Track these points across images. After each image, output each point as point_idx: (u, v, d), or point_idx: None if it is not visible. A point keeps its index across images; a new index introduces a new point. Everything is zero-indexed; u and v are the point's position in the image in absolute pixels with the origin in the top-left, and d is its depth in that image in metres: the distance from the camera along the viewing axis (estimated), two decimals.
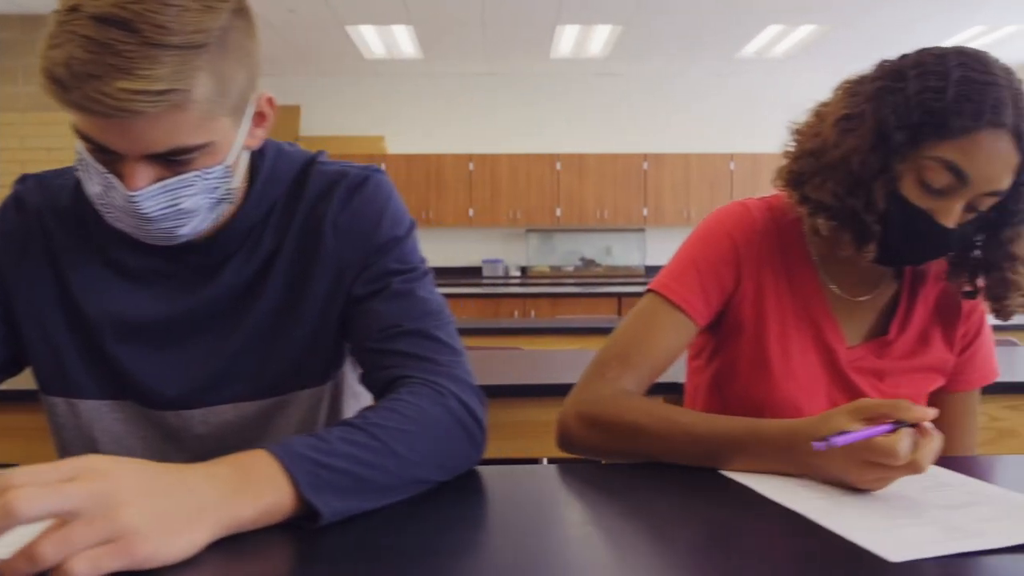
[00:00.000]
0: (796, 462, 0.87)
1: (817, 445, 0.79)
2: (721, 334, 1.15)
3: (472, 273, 8.76)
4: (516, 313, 5.71)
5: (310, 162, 1.04)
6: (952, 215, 0.97)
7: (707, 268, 1.10)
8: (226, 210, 0.94)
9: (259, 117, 0.94)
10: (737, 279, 1.11)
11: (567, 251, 8.84)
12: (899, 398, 1.08)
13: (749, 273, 1.11)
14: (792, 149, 1.10)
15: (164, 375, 0.98)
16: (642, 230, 8.82)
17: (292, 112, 8.76)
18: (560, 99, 8.89)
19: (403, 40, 7.63)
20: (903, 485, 0.82)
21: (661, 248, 8.92)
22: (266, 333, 0.99)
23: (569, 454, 1.05)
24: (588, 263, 8.78)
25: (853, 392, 1.09)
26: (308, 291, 0.99)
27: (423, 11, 6.81)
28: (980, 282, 1.07)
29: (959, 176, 0.95)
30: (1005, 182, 0.97)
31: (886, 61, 1.04)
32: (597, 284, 7.36)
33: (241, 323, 0.98)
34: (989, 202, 0.99)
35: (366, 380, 0.99)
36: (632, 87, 8.90)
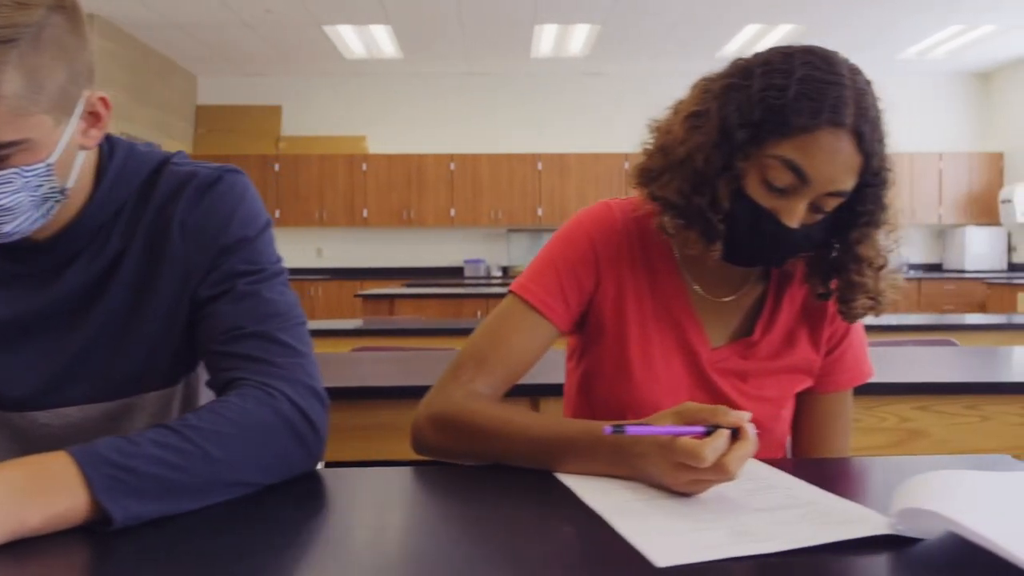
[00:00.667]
0: (623, 464, 0.87)
1: (607, 429, 0.80)
2: (586, 336, 1.14)
3: (454, 273, 8.76)
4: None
5: (163, 162, 1.03)
6: (795, 215, 0.96)
7: (565, 269, 1.09)
8: (59, 209, 0.93)
9: (93, 117, 0.93)
10: (596, 280, 1.09)
11: None
12: (763, 398, 1.08)
13: (609, 274, 1.09)
14: (648, 146, 1.09)
15: (9, 376, 0.97)
16: None
17: (273, 112, 8.76)
18: (542, 99, 8.88)
19: (382, 40, 7.62)
20: (730, 487, 0.82)
21: None
22: (111, 334, 0.98)
23: (422, 456, 1.04)
24: None
25: (716, 393, 1.09)
26: (154, 292, 0.98)
27: (400, 11, 6.80)
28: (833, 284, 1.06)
29: (799, 175, 0.94)
30: (848, 182, 0.96)
31: (739, 59, 1.03)
32: None
33: (85, 323, 0.97)
34: (834, 203, 0.98)
35: (210, 383, 0.99)
36: (614, 87, 8.89)
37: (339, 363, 2.07)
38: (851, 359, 1.15)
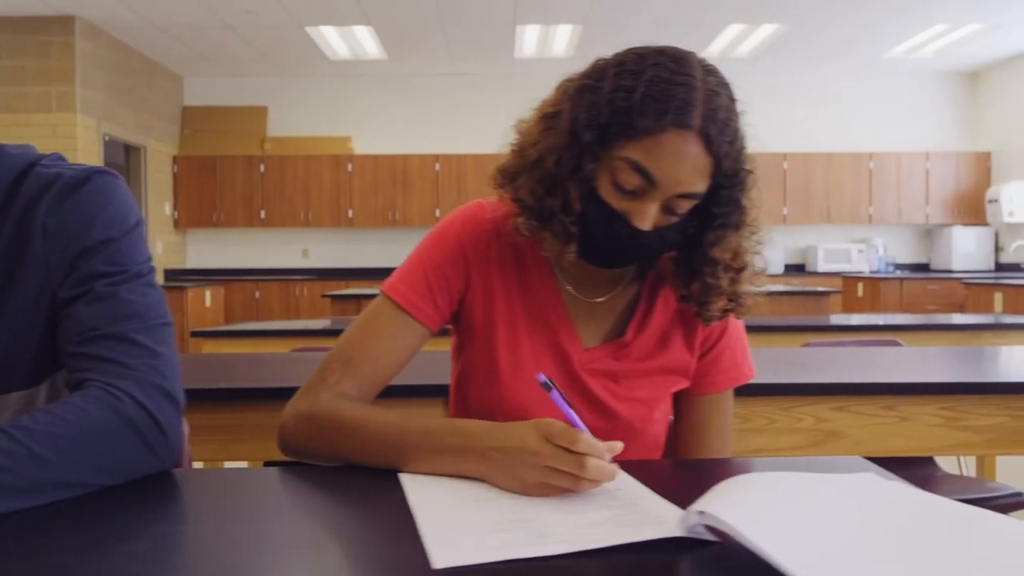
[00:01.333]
0: (469, 461, 0.86)
1: (539, 377, 0.87)
2: (460, 336, 1.13)
3: None
4: None
5: (32, 164, 1.03)
6: (646, 217, 0.95)
7: (434, 269, 1.08)
8: None
9: None
10: (466, 281, 1.09)
11: None
12: (634, 399, 1.07)
13: (478, 275, 1.09)
14: (513, 146, 1.08)
15: None
16: None
17: (259, 113, 8.76)
18: (526, 99, 8.80)
19: (366, 41, 7.62)
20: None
21: None
22: None
23: (288, 458, 1.03)
24: None
25: (588, 395, 1.08)
26: (14, 295, 0.98)
27: (380, 12, 6.80)
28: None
29: (646, 178, 0.93)
30: (697, 185, 0.95)
31: (599, 59, 1.02)
32: None
33: None
34: (686, 205, 0.96)
35: (67, 384, 0.98)
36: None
37: (273, 363, 2.06)
38: (728, 360, 1.14)
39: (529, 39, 7.68)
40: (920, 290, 6.87)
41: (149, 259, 1.04)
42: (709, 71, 0.97)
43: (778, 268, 8.64)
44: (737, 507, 0.64)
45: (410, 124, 8.83)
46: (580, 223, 0.98)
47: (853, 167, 8.67)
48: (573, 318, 1.10)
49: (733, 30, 7.47)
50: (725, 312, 1.05)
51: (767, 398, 1.60)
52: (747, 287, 1.05)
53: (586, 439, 0.80)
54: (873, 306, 7.08)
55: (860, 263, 8.67)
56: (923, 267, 9.01)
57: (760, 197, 1.06)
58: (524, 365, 1.07)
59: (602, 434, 1.08)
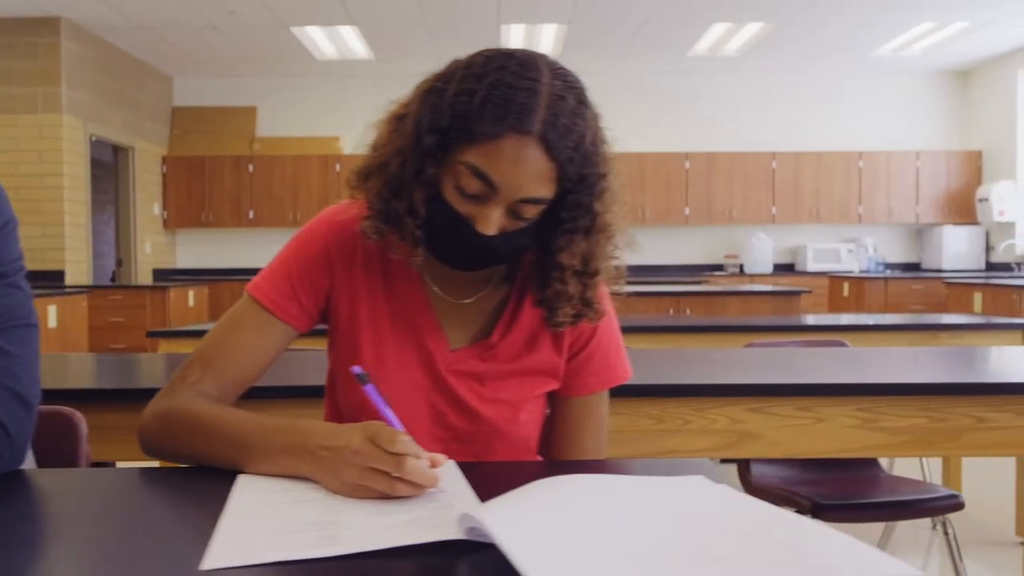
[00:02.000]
0: (303, 464, 0.86)
1: (354, 369, 0.90)
2: (329, 336, 1.13)
3: None
4: None
5: None
6: (490, 222, 0.94)
7: (299, 269, 1.07)
8: None
9: None
10: (331, 281, 1.08)
11: None
12: (499, 401, 1.07)
13: (343, 275, 1.08)
14: (367, 146, 1.07)
15: None
16: None
17: (248, 113, 8.78)
18: None
19: (352, 41, 7.63)
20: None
21: None
22: None
23: (150, 458, 1.04)
24: None
25: (452, 396, 1.07)
26: None
27: (364, 11, 6.81)
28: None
29: (487, 182, 0.92)
30: (539, 190, 0.93)
31: (455, 60, 1.01)
32: None
33: None
34: (532, 210, 0.95)
35: None
36: (586, 86, 8.84)
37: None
38: (599, 362, 1.13)
39: (516, 38, 7.67)
40: (905, 290, 6.85)
41: (18, 259, 1.04)
42: (559, 75, 0.96)
43: (767, 268, 8.62)
44: (506, 509, 0.64)
45: None
46: (426, 227, 0.98)
47: (843, 166, 8.64)
48: (440, 319, 1.09)
49: (718, 29, 7.46)
50: (577, 318, 1.04)
51: (681, 399, 1.60)
52: (597, 293, 1.04)
53: (404, 441, 0.80)
54: (858, 306, 7.05)
55: (850, 263, 8.64)
56: (914, 267, 8.98)
57: (623, 200, 1.05)
58: (388, 366, 1.07)
59: (467, 435, 1.08)
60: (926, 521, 3.09)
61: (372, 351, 1.08)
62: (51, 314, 4.46)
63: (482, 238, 0.95)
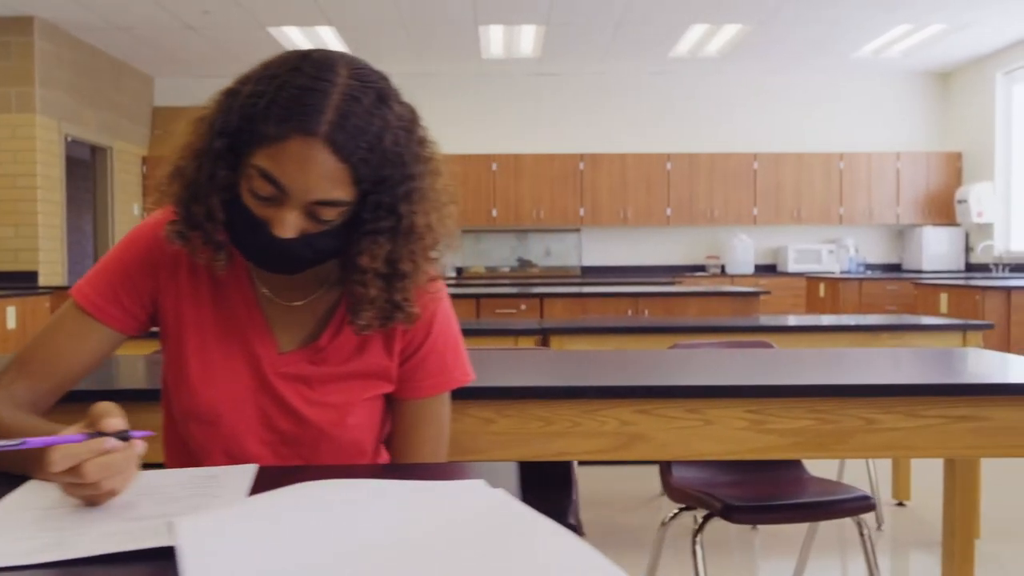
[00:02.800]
0: (37, 469, 0.85)
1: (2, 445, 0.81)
2: (161, 340, 1.13)
3: None
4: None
5: None
6: (286, 225, 0.93)
7: (122, 272, 1.07)
8: None
9: None
10: (155, 285, 1.08)
11: (503, 252, 8.81)
12: (327, 404, 1.06)
13: (167, 279, 1.08)
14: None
15: None
16: (578, 230, 8.79)
17: None
18: (495, 99, 8.87)
19: (330, 41, 7.62)
20: (129, 495, 0.80)
21: (597, 248, 8.90)
22: None
23: None
24: (524, 264, 8.75)
25: (278, 399, 1.06)
26: None
27: (339, 11, 6.80)
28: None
29: (276, 185, 0.91)
30: (331, 192, 0.92)
31: (262, 62, 1.00)
32: (531, 284, 7.33)
33: None
34: (331, 212, 0.94)
35: None
36: (568, 87, 8.87)
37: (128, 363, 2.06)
38: (435, 365, 1.12)
39: (495, 39, 7.67)
40: (879, 291, 6.85)
41: None
42: (358, 75, 0.94)
43: (748, 268, 8.61)
44: (213, 517, 0.63)
45: None
46: (229, 231, 0.98)
47: (824, 167, 8.63)
48: (270, 322, 1.08)
49: (697, 30, 7.45)
50: (386, 321, 1.04)
51: (571, 401, 1.59)
52: (405, 296, 1.03)
53: (59, 456, 0.76)
54: (833, 307, 7.04)
55: (830, 264, 8.63)
56: (895, 267, 8.97)
57: (447, 201, 1.04)
58: (215, 370, 1.06)
59: (294, 438, 1.07)
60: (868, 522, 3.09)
61: (198, 355, 1.07)
62: (10, 315, 4.45)
63: (280, 242, 0.94)
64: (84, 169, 8.24)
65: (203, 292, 1.08)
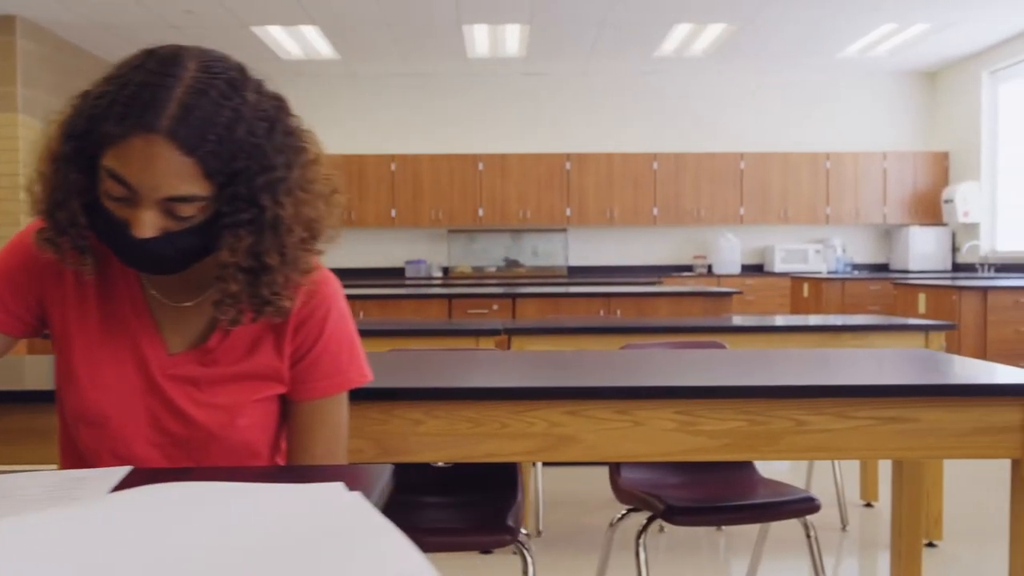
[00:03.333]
0: None
1: None
2: (52, 342, 1.12)
3: (395, 274, 8.75)
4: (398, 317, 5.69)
5: None
6: (143, 225, 0.92)
7: (6, 275, 1.07)
8: None
9: None
10: (40, 288, 1.07)
11: (490, 252, 8.81)
12: (215, 406, 1.06)
13: (52, 282, 1.07)
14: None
15: None
16: (564, 230, 8.79)
17: None
18: (482, 99, 8.86)
19: (316, 41, 7.61)
20: None
21: (584, 248, 8.89)
22: None
23: None
24: (511, 263, 8.75)
25: (168, 401, 1.06)
26: None
27: (323, 11, 6.79)
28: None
29: (125, 185, 0.91)
30: (184, 187, 0.91)
31: (118, 62, 0.97)
32: (518, 284, 7.32)
33: None
34: (188, 208, 0.93)
35: None
36: (554, 87, 8.86)
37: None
38: (327, 367, 1.11)
39: (480, 39, 7.66)
40: (863, 291, 6.84)
41: None
42: (207, 68, 0.93)
43: (735, 268, 8.61)
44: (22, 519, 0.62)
45: (366, 124, 8.83)
46: (96, 234, 0.97)
47: (810, 167, 8.63)
48: (160, 324, 1.08)
49: (682, 29, 7.44)
50: (256, 315, 1.03)
51: (499, 402, 1.59)
52: (273, 290, 1.01)
53: None
54: (816, 307, 7.04)
55: (817, 263, 8.63)
56: (882, 267, 8.97)
57: (319, 191, 1.03)
58: (103, 373, 1.06)
59: (183, 441, 1.06)
60: (823, 521, 3.09)
61: (84, 357, 1.06)
62: None
63: (142, 242, 0.93)
64: None
65: (90, 294, 1.07)
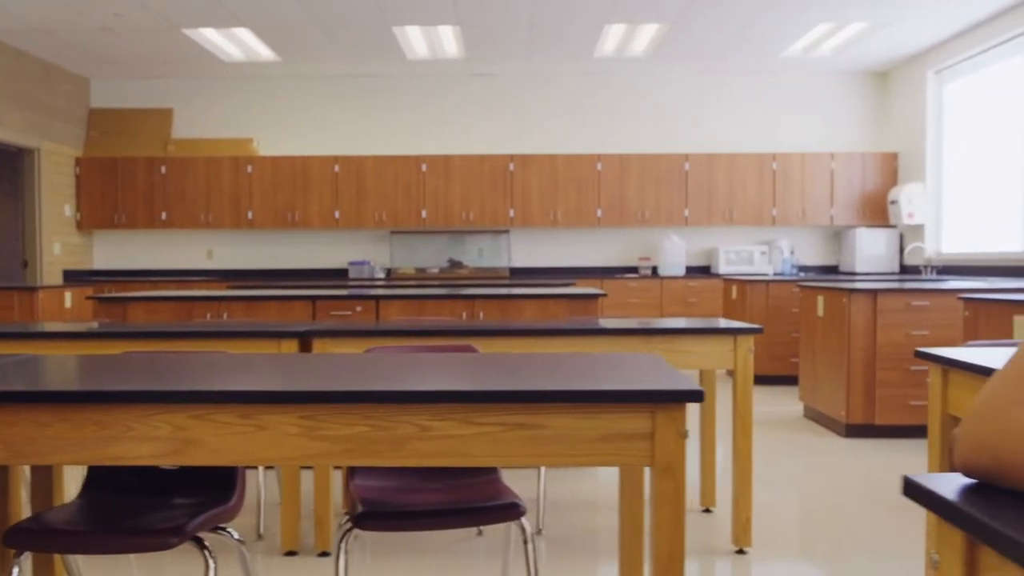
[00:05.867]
0: None
1: None
2: None
3: (339, 275, 8.77)
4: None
5: None
6: None
7: None
8: None
9: None
10: None
11: (433, 253, 8.80)
12: None
13: None
14: None
15: None
16: (507, 231, 8.77)
17: (164, 115, 8.83)
18: (425, 101, 8.86)
19: (252, 43, 7.64)
20: None
21: (526, 250, 8.87)
22: None
23: None
24: (454, 265, 8.74)
25: None
26: None
27: (252, 13, 6.82)
28: None
29: None
30: None
31: None
32: (460, 285, 7.31)
33: None
34: None
35: None
36: (497, 88, 8.84)
37: None
38: None
39: (416, 40, 7.66)
40: (786, 293, 6.76)
41: None
42: None
43: (680, 270, 8.56)
44: None
45: (310, 126, 8.85)
46: None
47: (757, 168, 8.56)
48: None
49: (616, 29, 7.40)
50: None
51: (126, 406, 1.58)
52: None
53: None
54: (741, 310, 6.96)
55: (762, 265, 8.56)
56: (832, 269, 8.88)
57: None
58: None
59: None
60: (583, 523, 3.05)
61: None
62: None
63: None
64: (12, 172, 8.29)
65: None
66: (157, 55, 8.02)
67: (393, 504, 2.02)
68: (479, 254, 8.81)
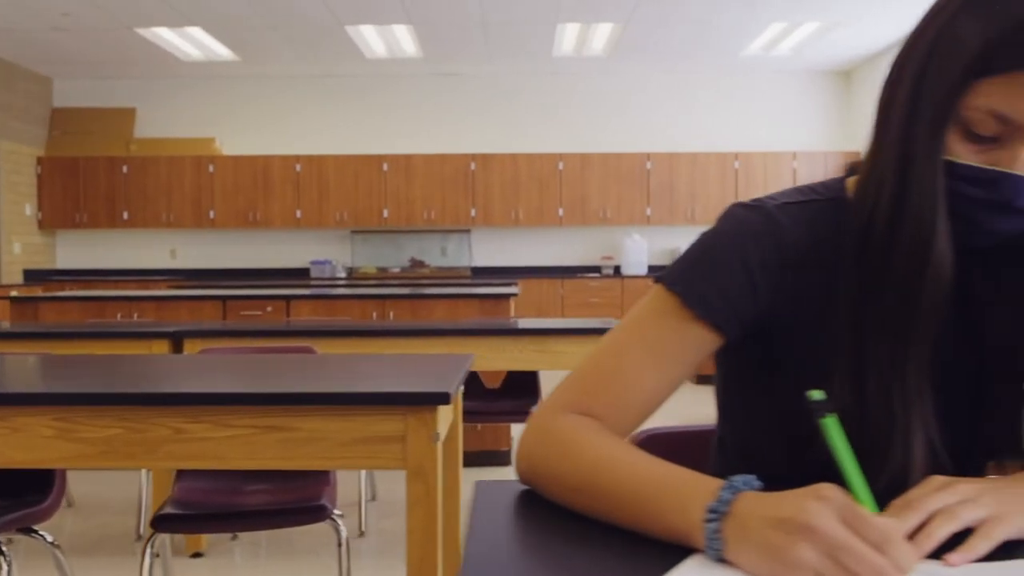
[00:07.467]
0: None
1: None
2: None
3: (300, 274, 8.77)
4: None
5: None
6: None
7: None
8: None
9: None
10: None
11: (395, 252, 8.80)
12: None
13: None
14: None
15: None
16: (468, 231, 8.75)
17: (127, 115, 8.84)
18: (386, 100, 8.85)
19: (208, 42, 7.64)
20: None
21: (488, 249, 8.85)
22: None
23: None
24: (416, 264, 8.73)
25: None
26: None
27: (203, 12, 6.81)
28: None
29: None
30: None
31: None
32: (423, 285, 7.30)
33: None
34: None
35: None
36: (457, 87, 8.83)
37: None
38: None
39: (373, 40, 7.65)
40: None
41: None
42: None
43: (642, 269, 8.53)
44: None
45: (272, 126, 8.85)
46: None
47: (719, 167, 8.53)
48: None
49: (572, 29, 7.38)
50: None
51: None
52: None
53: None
54: None
55: None
56: None
57: None
58: None
59: None
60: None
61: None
62: None
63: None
64: None
65: None
66: (117, 55, 8.03)
67: (201, 505, 2.01)
68: (441, 253, 8.80)
